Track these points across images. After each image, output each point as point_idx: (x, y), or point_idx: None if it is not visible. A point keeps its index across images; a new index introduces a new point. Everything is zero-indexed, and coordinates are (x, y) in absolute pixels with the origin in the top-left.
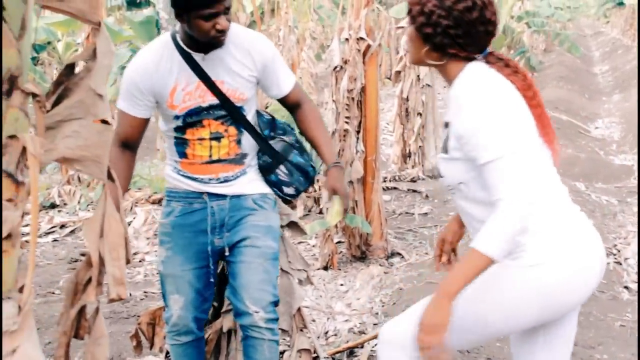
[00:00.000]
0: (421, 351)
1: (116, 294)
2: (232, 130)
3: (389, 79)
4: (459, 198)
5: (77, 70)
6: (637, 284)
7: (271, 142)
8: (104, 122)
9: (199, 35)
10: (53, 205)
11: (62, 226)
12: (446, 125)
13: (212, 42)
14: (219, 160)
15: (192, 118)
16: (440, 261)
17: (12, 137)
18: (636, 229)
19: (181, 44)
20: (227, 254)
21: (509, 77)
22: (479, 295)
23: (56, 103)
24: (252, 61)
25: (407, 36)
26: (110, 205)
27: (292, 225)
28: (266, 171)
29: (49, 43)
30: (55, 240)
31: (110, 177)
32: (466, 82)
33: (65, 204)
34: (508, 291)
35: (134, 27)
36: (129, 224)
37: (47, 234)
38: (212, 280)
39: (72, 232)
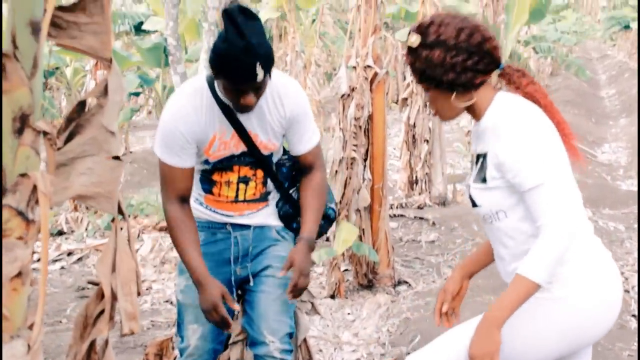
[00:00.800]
0: None
1: (129, 329)
2: (260, 173)
3: (396, 103)
4: (495, 229)
5: (88, 107)
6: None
7: (291, 191)
8: (116, 158)
9: (226, 98)
10: (60, 233)
11: (70, 253)
12: (478, 156)
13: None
14: (244, 200)
15: (223, 164)
16: (441, 315)
17: (23, 175)
18: None
19: (219, 94)
20: (251, 283)
21: (527, 86)
22: (507, 331)
23: (68, 139)
24: (284, 112)
25: (430, 100)
26: (121, 240)
27: None
28: (288, 220)
29: (57, 68)
30: (62, 267)
31: (120, 211)
32: (501, 112)
33: (72, 231)
34: (536, 322)
35: (142, 53)
36: (137, 251)
37: (55, 261)
38: (233, 313)
39: (80, 259)
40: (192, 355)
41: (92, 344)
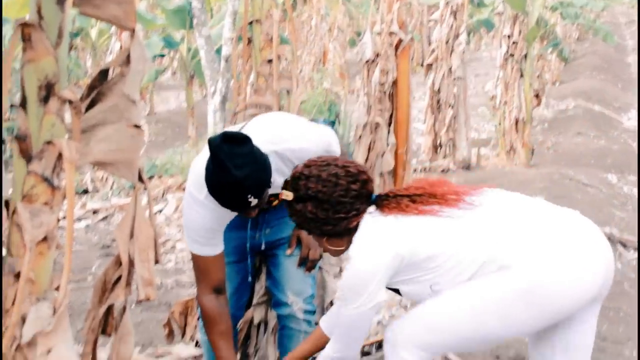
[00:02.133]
0: None
1: (145, 295)
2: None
3: (421, 66)
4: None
5: (110, 75)
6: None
7: None
8: (136, 126)
9: None
10: (85, 191)
11: (95, 212)
12: None
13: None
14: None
15: None
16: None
17: (48, 142)
18: None
19: None
20: (264, 248)
21: (392, 209)
22: (486, 304)
23: (90, 107)
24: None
25: (319, 245)
26: (140, 208)
27: None
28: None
29: (82, 29)
30: (87, 226)
31: (140, 179)
32: (355, 250)
33: (97, 190)
34: (496, 297)
35: (167, 15)
36: (160, 212)
37: (80, 219)
38: (249, 276)
39: (105, 218)
40: None
41: (110, 309)
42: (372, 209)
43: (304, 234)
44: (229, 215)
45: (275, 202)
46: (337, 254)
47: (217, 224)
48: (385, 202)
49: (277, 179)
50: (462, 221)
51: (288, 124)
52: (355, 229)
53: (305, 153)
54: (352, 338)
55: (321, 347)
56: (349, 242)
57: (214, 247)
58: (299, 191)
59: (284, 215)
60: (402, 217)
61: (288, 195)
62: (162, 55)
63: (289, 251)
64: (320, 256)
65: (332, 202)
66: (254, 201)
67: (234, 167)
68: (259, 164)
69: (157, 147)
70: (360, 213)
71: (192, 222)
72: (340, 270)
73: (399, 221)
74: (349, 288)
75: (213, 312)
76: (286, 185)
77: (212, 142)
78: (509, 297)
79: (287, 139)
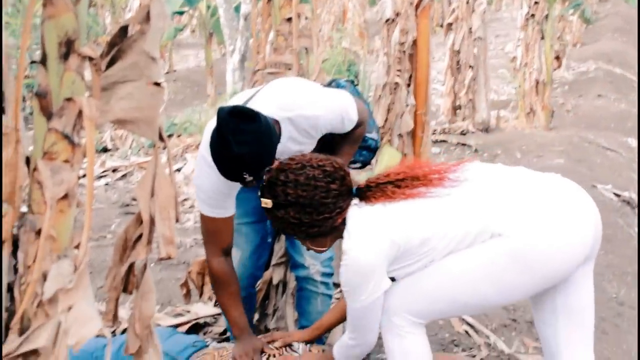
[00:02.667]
0: None
1: (166, 253)
2: None
3: (441, 27)
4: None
5: (130, 32)
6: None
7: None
8: (156, 84)
9: None
10: (105, 150)
11: (114, 170)
12: None
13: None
14: None
15: None
16: None
17: (68, 99)
18: None
19: None
20: None
21: (377, 198)
22: (476, 270)
23: (110, 64)
24: (315, 135)
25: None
26: (160, 166)
27: None
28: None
29: None
30: (107, 184)
31: (160, 137)
32: (350, 246)
33: (117, 148)
34: (488, 263)
35: None
36: (179, 171)
37: (100, 178)
38: (268, 237)
39: (124, 176)
40: None
41: (131, 267)
42: (356, 200)
43: None
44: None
45: (254, 184)
46: (321, 252)
47: (226, 188)
48: (369, 193)
49: (291, 147)
50: (450, 199)
51: (302, 90)
52: (340, 225)
53: (319, 121)
54: (367, 328)
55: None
56: (333, 239)
57: (224, 210)
58: (278, 198)
59: None
60: (389, 204)
61: (267, 203)
62: (181, 13)
63: None
64: None
65: (315, 204)
66: (248, 178)
67: (236, 143)
68: (262, 143)
69: (176, 106)
70: (344, 210)
71: (202, 183)
72: None
73: (387, 209)
74: (352, 284)
75: (223, 273)
76: (263, 192)
77: (220, 113)
78: (501, 262)
79: (301, 106)
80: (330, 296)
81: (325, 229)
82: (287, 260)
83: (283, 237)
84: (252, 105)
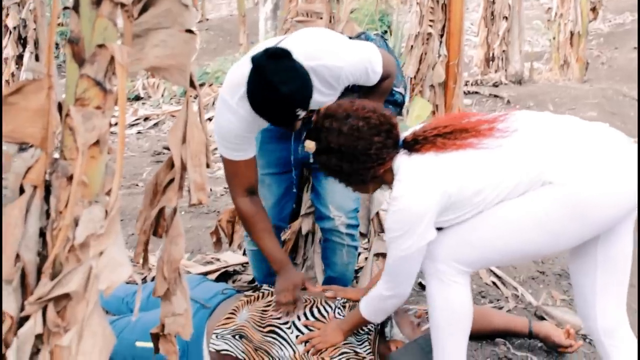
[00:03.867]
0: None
1: (197, 199)
2: None
3: None
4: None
5: None
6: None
7: None
8: (189, 31)
9: None
10: (137, 98)
11: (146, 119)
12: None
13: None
14: None
15: None
16: None
17: (100, 46)
18: None
19: None
20: (312, 161)
21: (427, 149)
22: (526, 220)
23: (142, 11)
24: (337, 87)
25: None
26: (192, 113)
27: None
28: None
29: None
30: (139, 132)
31: (192, 84)
32: (396, 190)
33: (149, 97)
34: (541, 211)
35: None
36: (210, 120)
37: (132, 126)
38: (294, 189)
39: (156, 124)
40: None
41: (161, 211)
42: (404, 151)
43: None
44: (258, 123)
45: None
46: (363, 194)
47: (247, 131)
48: (417, 146)
49: (316, 98)
50: (502, 150)
51: (325, 41)
52: (383, 174)
53: (341, 72)
54: (403, 277)
55: None
56: (375, 187)
57: (245, 152)
58: (321, 143)
59: None
60: (441, 154)
61: (310, 147)
62: None
63: None
64: None
65: (356, 154)
66: (301, 113)
67: (280, 83)
68: (302, 76)
69: (208, 55)
70: (387, 161)
71: (222, 127)
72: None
73: (439, 158)
74: (398, 231)
75: (250, 211)
76: (309, 135)
77: (256, 60)
78: (553, 209)
79: (322, 56)
80: (356, 247)
81: (367, 177)
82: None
83: (310, 188)
84: None
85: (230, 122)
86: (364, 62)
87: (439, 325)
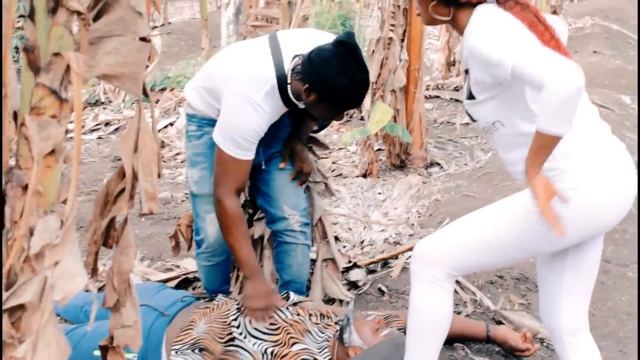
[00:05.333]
0: (547, 217)
1: (148, 209)
2: None
3: None
4: (497, 137)
5: None
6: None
7: None
8: (142, 39)
9: (314, 113)
10: (98, 103)
11: (107, 124)
12: (466, 72)
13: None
14: None
15: None
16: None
17: (56, 54)
18: None
19: (292, 97)
20: (264, 167)
21: (517, 14)
22: (522, 218)
23: (96, 18)
24: None
25: (421, 6)
26: (144, 121)
27: (314, 141)
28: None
29: None
30: (99, 137)
31: (145, 93)
32: (476, 21)
33: (110, 102)
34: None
35: None
36: (172, 125)
37: (92, 131)
38: (247, 196)
39: (117, 129)
40: (212, 246)
41: (112, 221)
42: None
43: (296, 147)
44: (274, 120)
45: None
46: (425, 20)
47: (263, 129)
48: (506, 4)
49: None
50: None
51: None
52: (459, 4)
53: None
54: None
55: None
56: (453, 17)
57: (252, 152)
58: None
59: (278, 129)
60: (521, 23)
61: None
62: None
63: (282, 165)
64: (310, 171)
65: None
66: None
67: (365, 66)
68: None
69: (170, 59)
70: None
71: (240, 124)
72: (326, 186)
73: (520, 24)
74: (494, 37)
75: (237, 212)
76: None
77: (347, 41)
78: (568, 216)
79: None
80: (308, 246)
81: None
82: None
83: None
84: (292, 53)
85: (252, 118)
86: None
87: (419, 330)
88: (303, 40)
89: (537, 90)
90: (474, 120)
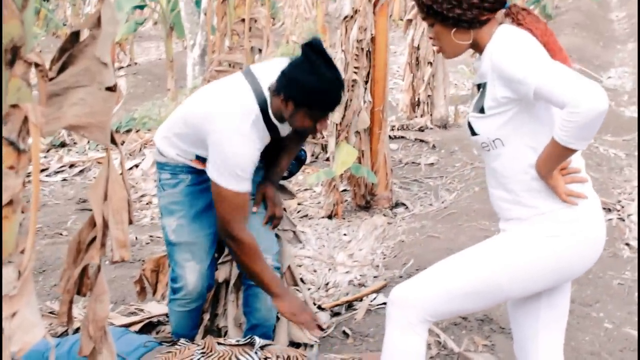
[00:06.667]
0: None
1: (120, 257)
2: None
3: (401, 20)
4: (492, 156)
5: (82, 37)
6: (637, 246)
7: None
8: (108, 89)
9: (295, 124)
10: (63, 145)
11: (72, 165)
12: (478, 87)
13: (302, 133)
14: None
15: None
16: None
17: (14, 106)
18: None
19: (273, 119)
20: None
21: (531, 24)
22: (494, 262)
23: (61, 70)
24: None
25: (434, 36)
26: (113, 169)
27: (282, 188)
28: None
29: None
30: (64, 179)
31: (113, 141)
32: (499, 39)
33: (75, 143)
34: (524, 260)
35: None
36: (137, 166)
37: (57, 173)
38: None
39: (81, 171)
40: (190, 294)
41: (85, 269)
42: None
43: (269, 191)
44: (262, 149)
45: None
46: (451, 51)
47: (258, 157)
48: (520, 16)
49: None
50: None
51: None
52: (481, 23)
53: None
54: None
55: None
56: (472, 40)
57: (250, 182)
58: None
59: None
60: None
61: None
62: (142, 7)
63: (254, 208)
64: (281, 216)
65: None
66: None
67: (333, 65)
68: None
69: (136, 99)
70: (492, 11)
71: (238, 156)
72: (294, 234)
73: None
74: (520, 55)
75: (254, 242)
76: None
77: (313, 44)
78: (544, 263)
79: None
80: None
81: (469, 16)
82: (232, 259)
83: None
84: (269, 82)
85: (246, 149)
86: None
87: None
88: (278, 68)
89: (559, 108)
90: (474, 134)
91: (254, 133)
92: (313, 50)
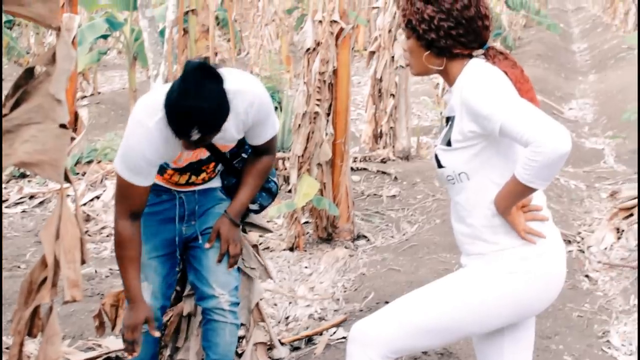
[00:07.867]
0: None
1: (71, 296)
2: (212, 165)
3: (365, 50)
4: (457, 189)
5: (36, 74)
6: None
7: (235, 161)
8: (62, 126)
9: None
10: (23, 175)
11: (32, 197)
12: (447, 119)
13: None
14: (194, 183)
15: (184, 167)
16: None
17: None
18: (602, 216)
19: None
20: (200, 241)
21: (507, 69)
22: (455, 298)
23: (15, 106)
24: (249, 122)
25: (407, 49)
26: (66, 208)
27: (251, 225)
28: (231, 191)
29: None
30: (24, 211)
31: (67, 179)
32: (471, 74)
33: (35, 174)
34: (485, 297)
35: None
36: (98, 198)
37: (16, 204)
38: (177, 267)
39: (41, 203)
40: None
41: (37, 310)
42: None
43: (224, 229)
44: (169, 150)
45: (209, 172)
46: (417, 69)
47: (155, 156)
48: (496, 60)
49: (225, 133)
50: None
51: (251, 78)
52: (453, 55)
53: (252, 107)
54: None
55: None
56: (442, 68)
57: (144, 179)
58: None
59: (212, 205)
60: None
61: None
62: (106, 37)
63: (207, 245)
64: (241, 250)
65: (453, 17)
66: (195, 137)
67: (196, 95)
68: (219, 105)
69: (99, 129)
70: (467, 47)
71: (131, 148)
72: (265, 269)
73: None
74: (489, 92)
75: (127, 236)
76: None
77: (188, 66)
78: (504, 301)
79: (245, 89)
80: (237, 326)
81: (444, 44)
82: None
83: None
84: None
85: (142, 144)
86: (271, 108)
87: None
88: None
89: (523, 147)
90: (440, 167)
91: (158, 129)
92: (183, 73)
